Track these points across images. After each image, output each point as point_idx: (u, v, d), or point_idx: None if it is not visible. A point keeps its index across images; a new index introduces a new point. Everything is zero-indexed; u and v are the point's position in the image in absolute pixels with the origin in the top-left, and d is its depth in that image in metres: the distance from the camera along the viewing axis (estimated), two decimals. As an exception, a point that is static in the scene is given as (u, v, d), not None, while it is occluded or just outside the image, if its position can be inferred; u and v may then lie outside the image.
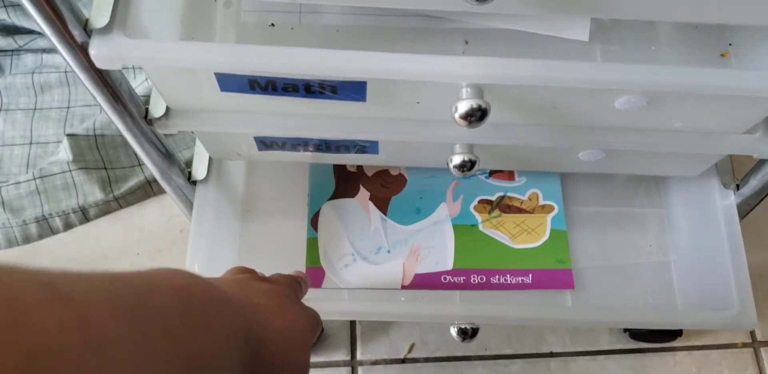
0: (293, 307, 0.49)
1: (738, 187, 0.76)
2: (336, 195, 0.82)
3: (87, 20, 0.50)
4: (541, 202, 0.83)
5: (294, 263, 0.77)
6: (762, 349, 0.96)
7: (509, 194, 0.83)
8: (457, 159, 0.64)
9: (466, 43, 0.64)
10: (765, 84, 0.53)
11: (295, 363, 0.45)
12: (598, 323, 0.80)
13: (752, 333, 0.98)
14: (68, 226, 1.01)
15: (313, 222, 0.80)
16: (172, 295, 0.33)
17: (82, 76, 0.53)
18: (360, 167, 0.84)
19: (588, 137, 0.63)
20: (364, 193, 0.82)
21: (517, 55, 0.60)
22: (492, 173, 0.85)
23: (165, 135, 0.64)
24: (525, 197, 0.83)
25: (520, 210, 0.83)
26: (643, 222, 0.84)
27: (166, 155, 0.66)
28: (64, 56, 0.51)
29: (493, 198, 0.83)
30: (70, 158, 0.99)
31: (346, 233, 0.80)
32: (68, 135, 1.00)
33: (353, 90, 0.56)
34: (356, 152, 0.69)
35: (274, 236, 0.79)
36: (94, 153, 1.02)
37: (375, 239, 0.80)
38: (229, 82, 0.55)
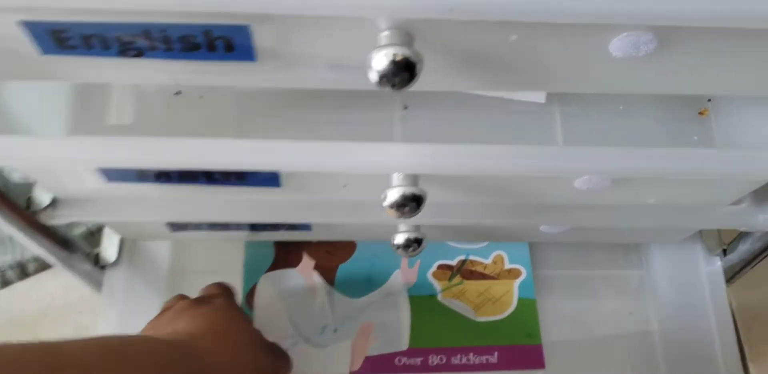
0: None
1: (725, 252, 0.67)
2: (275, 265, 0.72)
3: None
4: (507, 266, 0.74)
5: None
6: (759, 396, 0.87)
7: (471, 257, 0.74)
8: (400, 238, 0.56)
9: (405, 108, 0.55)
10: (746, 165, 0.44)
11: None
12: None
13: (748, 378, 0.89)
14: (5, 283, 0.94)
15: (249, 299, 0.71)
16: None
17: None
18: (303, 233, 0.74)
19: (546, 215, 0.55)
20: (307, 262, 0.73)
21: (465, 121, 0.52)
22: None
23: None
24: (489, 261, 0.74)
25: (483, 276, 0.74)
26: (621, 286, 0.75)
27: (64, 244, 0.57)
28: None
29: (454, 263, 0.74)
30: (4, 212, 0.91)
31: (287, 311, 0.70)
32: (2, 187, 0.93)
33: (264, 177, 0.48)
34: (286, 230, 0.60)
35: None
36: (29, 205, 0.95)
37: (320, 316, 0.70)
38: (114, 174, 0.47)
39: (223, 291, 0.60)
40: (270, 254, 0.72)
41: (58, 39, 0.37)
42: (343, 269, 0.73)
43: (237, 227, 0.59)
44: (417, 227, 0.57)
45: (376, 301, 0.72)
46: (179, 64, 0.39)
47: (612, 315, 0.73)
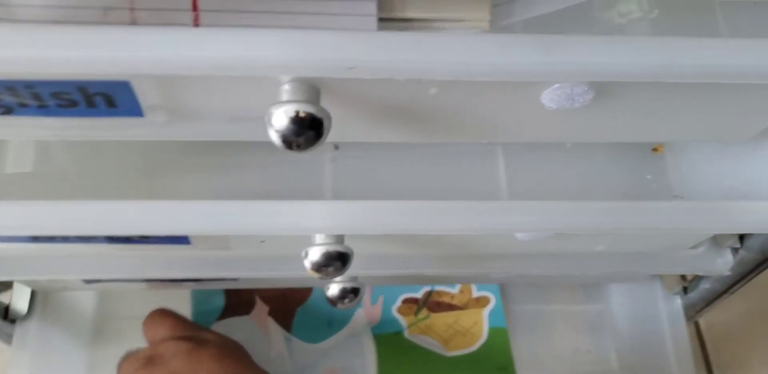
0: None
1: (686, 290, 0.63)
2: (226, 313, 0.66)
3: None
4: (475, 294, 0.69)
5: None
6: (729, 426, 0.84)
7: (437, 287, 0.69)
8: (334, 289, 0.51)
9: (336, 148, 0.51)
10: (705, 218, 0.40)
11: None
12: None
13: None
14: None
15: None
16: None
17: None
18: (255, 276, 0.69)
19: (490, 264, 0.51)
20: (261, 307, 0.66)
21: (400, 161, 0.48)
22: None
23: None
24: (456, 290, 0.69)
25: (451, 307, 0.68)
26: (580, 322, 0.71)
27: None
28: None
29: (419, 295, 0.69)
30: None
31: None
32: None
33: (171, 236, 0.43)
34: (212, 280, 0.55)
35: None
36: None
37: (278, 366, 0.64)
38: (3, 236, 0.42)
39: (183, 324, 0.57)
40: (220, 301, 0.66)
41: None
42: (301, 312, 0.67)
43: (157, 280, 0.54)
44: (354, 277, 0.52)
45: (339, 345, 0.66)
46: (57, 120, 0.35)
47: (571, 353, 0.69)
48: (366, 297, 0.68)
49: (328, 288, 0.52)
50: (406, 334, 0.67)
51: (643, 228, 0.40)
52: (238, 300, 0.66)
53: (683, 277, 0.64)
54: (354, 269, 0.47)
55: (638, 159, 0.51)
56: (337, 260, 0.41)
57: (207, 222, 0.38)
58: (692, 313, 0.64)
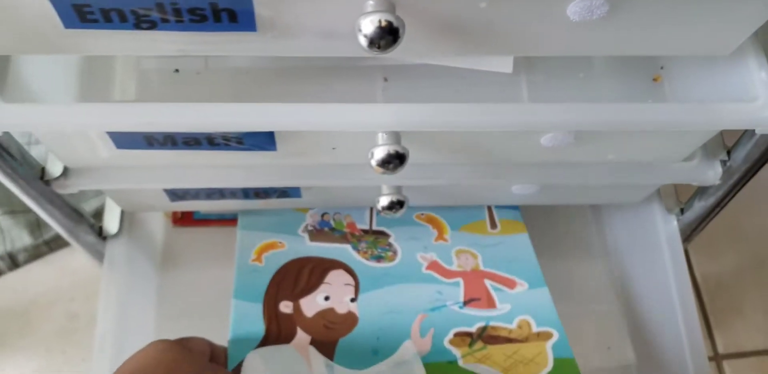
0: None
1: (682, 211, 0.73)
2: (266, 341, 0.61)
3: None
4: (535, 329, 0.65)
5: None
6: (724, 362, 0.93)
7: (492, 323, 0.65)
8: (384, 200, 0.61)
9: (386, 80, 0.60)
10: (694, 117, 0.50)
11: None
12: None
13: (714, 347, 0.94)
14: (-3, 274, 0.96)
15: None
16: None
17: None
18: (297, 307, 0.64)
19: (517, 173, 0.60)
20: (302, 337, 0.62)
21: (440, 91, 0.57)
22: (467, 302, 0.67)
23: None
24: (513, 326, 0.65)
25: (509, 340, 0.64)
26: (581, 246, 0.80)
27: (71, 214, 0.61)
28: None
29: (473, 329, 0.64)
30: (-5, 202, 0.92)
31: None
32: (-7, 178, 0.95)
33: (261, 140, 0.52)
34: (278, 197, 0.65)
35: (197, 291, 0.72)
36: (21, 196, 0.97)
37: None
38: (124, 140, 0.51)
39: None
40: (259, 330, 0.62)
41: (80, 13, 0.41)
42: (344, 343, 0.62)
43: (232, 195, 0.64)
44: (399, 190, 0.62)
45: (386, 371, 0.60)
46: (188, 35, 0.44)
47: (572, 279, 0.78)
48: (414, 329, 0.64)
49: (378, 201, 0.61)
50: (461, 363, 0.61)
51: (647, 124, 0.49)
52: (278, 330, 0.63)
53: (679, 200, 0.74)
54: (403, 179, 0.56)
55: (641, 87, 0.61)
56: (396, 158, 0.50)
57: (292, 119, 0.48)
58: (689, 232, 0.74)
